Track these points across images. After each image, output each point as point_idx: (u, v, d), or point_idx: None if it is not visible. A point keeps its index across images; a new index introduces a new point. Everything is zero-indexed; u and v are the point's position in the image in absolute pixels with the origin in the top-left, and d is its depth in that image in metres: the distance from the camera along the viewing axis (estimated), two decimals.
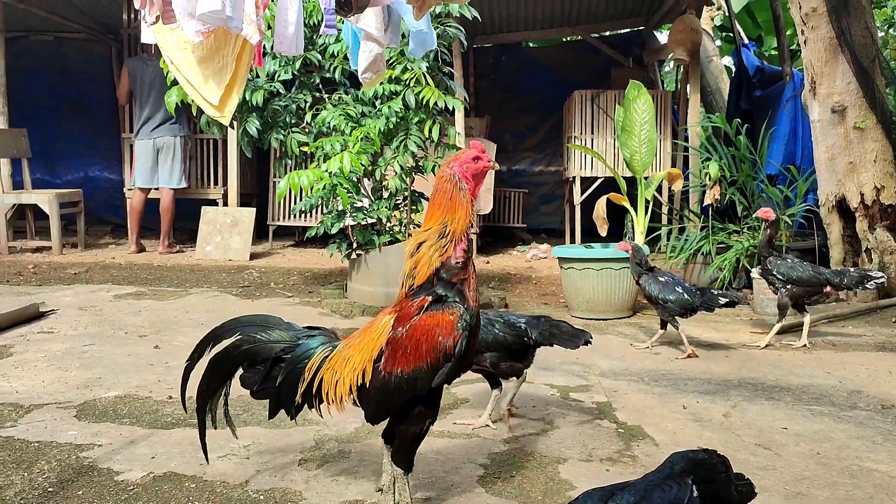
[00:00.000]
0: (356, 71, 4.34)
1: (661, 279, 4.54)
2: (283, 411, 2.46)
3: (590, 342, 3.27)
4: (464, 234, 2.27)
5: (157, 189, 8.69)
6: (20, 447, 2.98)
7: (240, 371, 2.48)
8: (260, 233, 9.25)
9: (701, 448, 1.91)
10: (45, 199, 8.33)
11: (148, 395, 3.67)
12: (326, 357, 2.37)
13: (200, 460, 2.85)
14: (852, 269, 4.81)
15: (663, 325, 4.63)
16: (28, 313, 5.27)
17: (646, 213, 6.09)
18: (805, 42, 5.98)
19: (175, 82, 4.92)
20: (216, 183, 9.23)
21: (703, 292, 4.49)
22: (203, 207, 8.63)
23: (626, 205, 6.02)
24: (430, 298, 2.23)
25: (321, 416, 2.38)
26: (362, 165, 5.43)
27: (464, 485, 2.71)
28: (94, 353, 4.44)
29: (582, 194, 8.85)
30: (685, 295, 4.42)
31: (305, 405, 2.40)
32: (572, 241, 9.22)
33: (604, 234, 6.04)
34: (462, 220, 2.27)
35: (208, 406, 2.51)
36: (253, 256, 8.35)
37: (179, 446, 3.02)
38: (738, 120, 6.88)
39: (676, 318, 4.49)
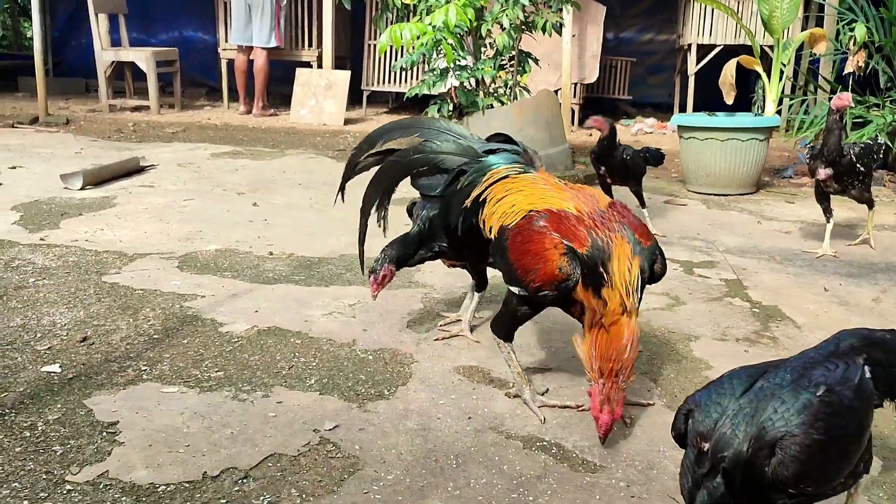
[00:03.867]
0: None
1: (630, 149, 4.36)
2: None
3: None
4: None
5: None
6: (125, 294, 2.92)
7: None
8: (353, 98, 8.99)
9: (886, 328, 1.61)
10: (143, 57, 8.24)
11: (248, 251, 3.56)
12: (510, 176, 2.14)
13: (305, 317, 2.73)
14: None
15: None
16: (130, 166, 5.24)
17: (780, 79, 5.49)
18: None
19: None
20: (311, 44, 8.92)
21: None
22: (297, 69, 8.39)
23: (759, 69, 5.41)
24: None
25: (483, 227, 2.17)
26: (468, 19, 5.01)
27: None
28: (193, 208, 4.36)
29: (697, 64, 8.16)
30: None
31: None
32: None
33: (730, 101, 5.48)
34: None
35: (374, 208, 2.35)
36: (347, 121, 8.13)
37: (282, 302, 2.89)
38: None
39: None
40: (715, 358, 2.49)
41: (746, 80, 6.71)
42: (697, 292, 3.15)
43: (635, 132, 8.37)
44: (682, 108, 8.70)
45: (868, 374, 1.43)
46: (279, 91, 9.55)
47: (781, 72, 5.54)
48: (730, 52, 7.81)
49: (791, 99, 6.96)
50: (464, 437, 1.96)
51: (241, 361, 2.36)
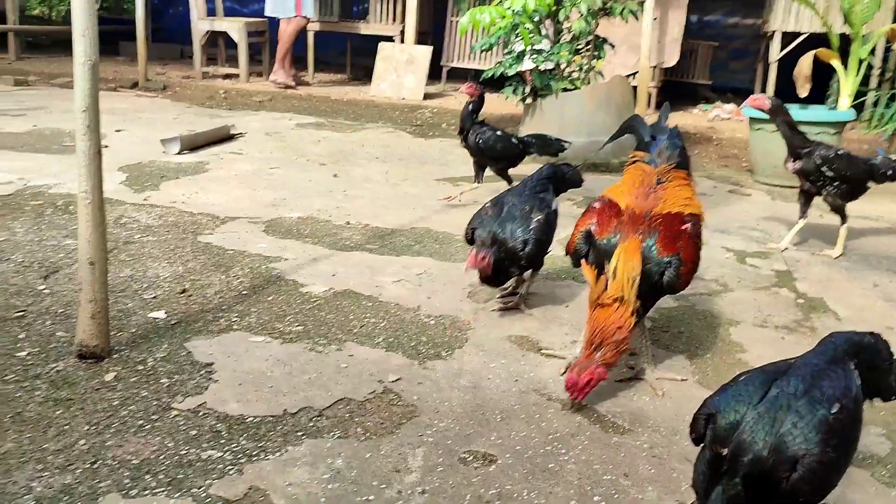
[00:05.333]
0: None
1: (497, 131, 4.29)
2: None
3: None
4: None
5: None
6: (218, 253, 3.26)
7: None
8: (432, 73, 9.21)
9: (867, 331, 1.74)
10: (235, 28, 8.66)
11: (328, 219, 3.87)
12: (637, 162, 2.45)
13: (376, 283, 3.02)
14: None
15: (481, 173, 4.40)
16: (221, 134, 5.64)
17: (857, 73, 5.46)
18: None
19: None
20: (394, 19, 9.18)
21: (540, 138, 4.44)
22: (380, 43, 8.66)
23: (836, 63, 5.39)
24: None
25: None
26: (547, 4, 5.18)
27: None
28: (278, 176, 4.70)
29: (780, 51, 8.07)
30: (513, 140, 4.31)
31: None
32: None
33: (804, 94, 5.47)
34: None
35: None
36: (426, 96, 8.38)
37: (357, 268, 3.18)
38: None
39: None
40: (751, 343, 2.66)
41: (827, 73, 6.62)
42: (746, 280, 3.30)
43: (712, 118, 8.35)
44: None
45: (858, 381, 1.57)
46: (361, 63, 9.86)
47: (861, 65, 5.50)
48: (816, 40, 7.70)
49: (877, 92, 6.84)
50: (509, 396, 2.22)
51: (318, 318, 2.67)
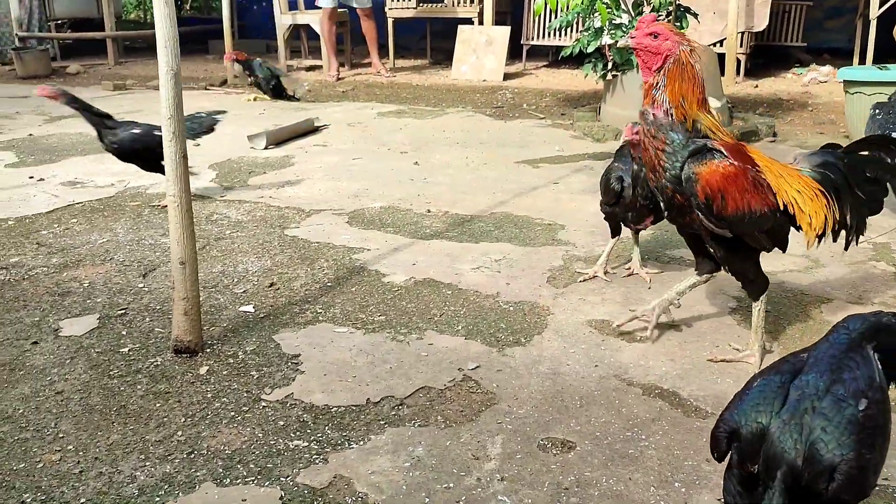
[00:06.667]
0: None
1: (134, 129, 3.89)
2: None
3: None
4: None
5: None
6: (304, 246, 3.37)
7: None
8: (512, 53, 9.15)
9: (885, 311, 1.61)
10: (317, 20, 8.82)
11: (409, 208, 3.92)
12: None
13: (456, 270, 3.05)
14: None
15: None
16: (306, 127, 5.78)
17: None
18: None
19: None
20: (471, 1, 9.15)
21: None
22: (458, 26, 8.66)
23: None
24: None
25: None
26: None
27: (714, 315, 2.64)
28: (361, 167, 4.79)
29: (881, 6, 7.61)
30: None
31: None
32: (862, 62, 8.07)
33: None
34: None
35: None
36: (506, 77, 8.34)
37: (437, 256, 3.23)
38: None
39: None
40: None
41: None
42: (840, 255, 3.16)
43: (807, 81, 7.98)
44: (864, 54, 8.16)
45: (879, 366, 1.44)
46: (441, 47, 9.89)
47: None
48: None
49: None
50: (589, 382, 2.21)
51: (399, 308, 2.72)
